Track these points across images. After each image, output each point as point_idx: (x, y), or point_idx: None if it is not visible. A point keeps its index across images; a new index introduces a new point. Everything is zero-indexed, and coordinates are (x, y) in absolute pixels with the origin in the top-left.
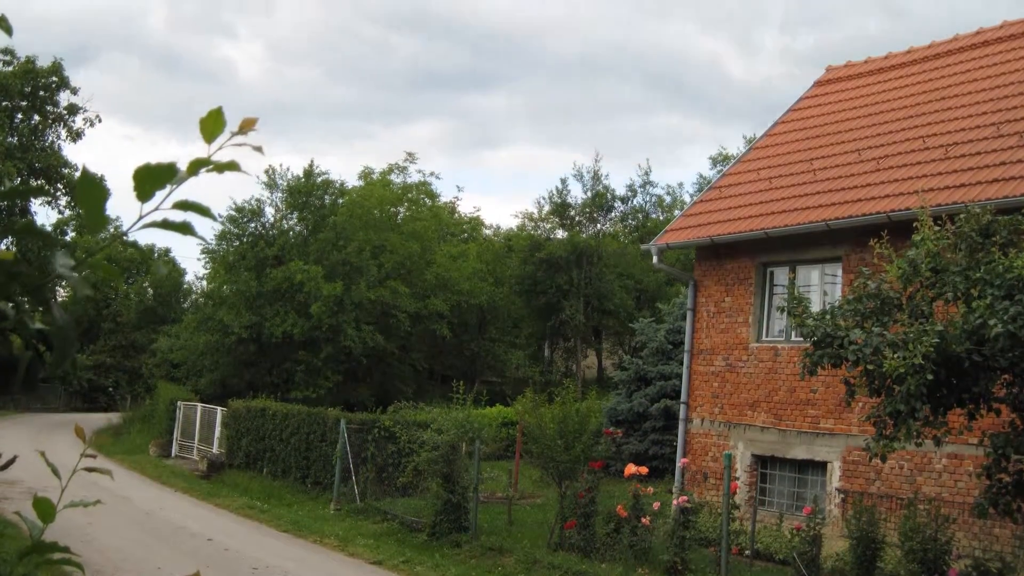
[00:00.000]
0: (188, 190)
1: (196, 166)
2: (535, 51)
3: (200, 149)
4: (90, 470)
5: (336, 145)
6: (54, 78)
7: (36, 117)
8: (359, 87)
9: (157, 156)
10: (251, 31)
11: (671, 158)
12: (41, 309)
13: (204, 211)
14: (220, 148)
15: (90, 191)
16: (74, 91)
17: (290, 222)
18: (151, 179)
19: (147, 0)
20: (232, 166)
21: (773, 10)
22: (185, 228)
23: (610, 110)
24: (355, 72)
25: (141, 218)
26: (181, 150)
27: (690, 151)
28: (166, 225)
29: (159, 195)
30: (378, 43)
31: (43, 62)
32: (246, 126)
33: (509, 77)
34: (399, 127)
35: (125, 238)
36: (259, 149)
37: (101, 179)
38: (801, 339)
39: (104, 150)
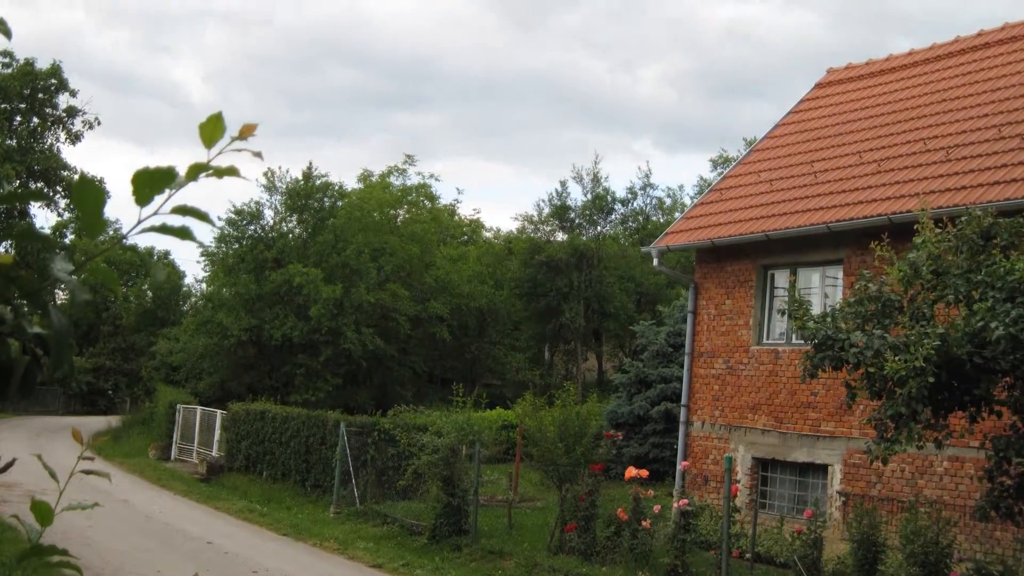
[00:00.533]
0: (186, 193)
1: (196, 171)
2: (449, 74)
3: (166, 158)
4: (88, 472)
5: (295, 159)
6: (53, 80)
7: (35, 119)
8: (302, 108)
9: (121, 164)
10: (191, 56)
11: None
12: (39, 313)
13: (202, 216)
14: (220, 153)
15: (88, 195)
16: (73, 93)
17: (289, 225)
18: (150, 183)
19: (83, 25)
20: (232, 171)
21: (649, 39)
22: (184, 233)
23: (527, 125)
24: (293, 95)
25: (140, 222)
26: (150, 159)
27: (610, 161)
28: (165, 230)
29: (158, 199)
30: (308, 69)
31: (41, 64)
32: (246, 132)
33: (430, 98)
34: (348, 143)
35: (124, 242)
36: (259, 155)
37: (99, 183)
38: (802, 342)
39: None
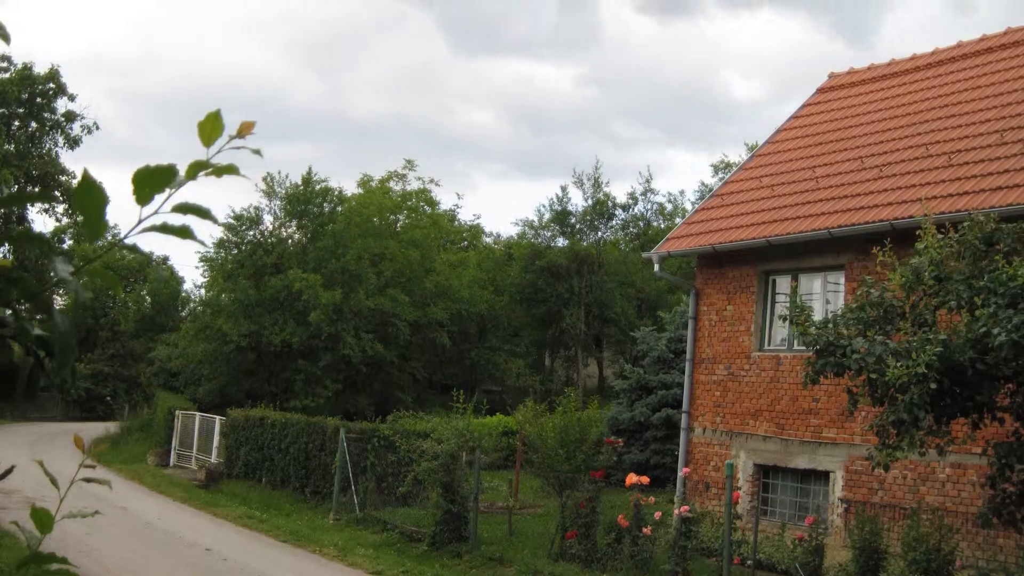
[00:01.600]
0: (184, 196)
1: (195, 169)
2: (298, 113)
3: (105, 170)
4: (88, 480)
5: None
6: (51, 84)
7: (33, 124)
8: (182, 140)
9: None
10: (94, 95)
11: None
12: (40, 316)
13: (204, 213)
14: (219, 151)
15: (90, 197)
16: (71, 98)
17: (289, 230)
18: (150, 182)
19: None
20: (231, 169)
21: (458, 90)
22: (184, 232)
23: (389, 152)
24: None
25: (140, 222)
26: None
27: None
28: (165, 229)
29: (158, 199)
30: (198, 110)
31: (40, 68)
32: (244, 130)
33: (295, 132)
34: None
35: (123, 243)
36: (258, 152)
37: (101, 185)
38: (803, 348)
39: None
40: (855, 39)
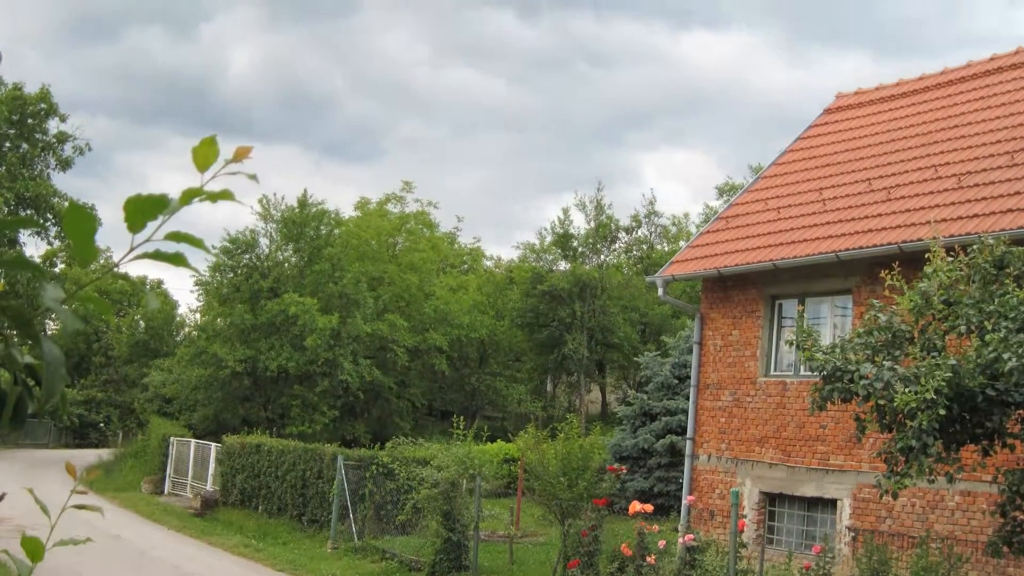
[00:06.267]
0: (181, 219)
1: (189, 196)
2: None
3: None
4: (80, 507)
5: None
6: (43, 105)
7: (24, 145)
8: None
9: None
10: None
11: None
12: (30, 343)
13: (197, 243)
14: (214, 177)
15: (79, 222)
16: (63, 118)
17: (285, 253)
18: (143, 210)
19: None
20: (226, 195)
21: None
22: (178, 259)
23: None
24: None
25: (133, 249)
26: None
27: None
28: (158, 256)
29: (151, 226)
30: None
31: (30, 89)
32: (240, 155)
33: None
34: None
35: (116, 270)
36: (254, 177)
37: (91, 209)
38: (810, 373)
39: None
40: None
